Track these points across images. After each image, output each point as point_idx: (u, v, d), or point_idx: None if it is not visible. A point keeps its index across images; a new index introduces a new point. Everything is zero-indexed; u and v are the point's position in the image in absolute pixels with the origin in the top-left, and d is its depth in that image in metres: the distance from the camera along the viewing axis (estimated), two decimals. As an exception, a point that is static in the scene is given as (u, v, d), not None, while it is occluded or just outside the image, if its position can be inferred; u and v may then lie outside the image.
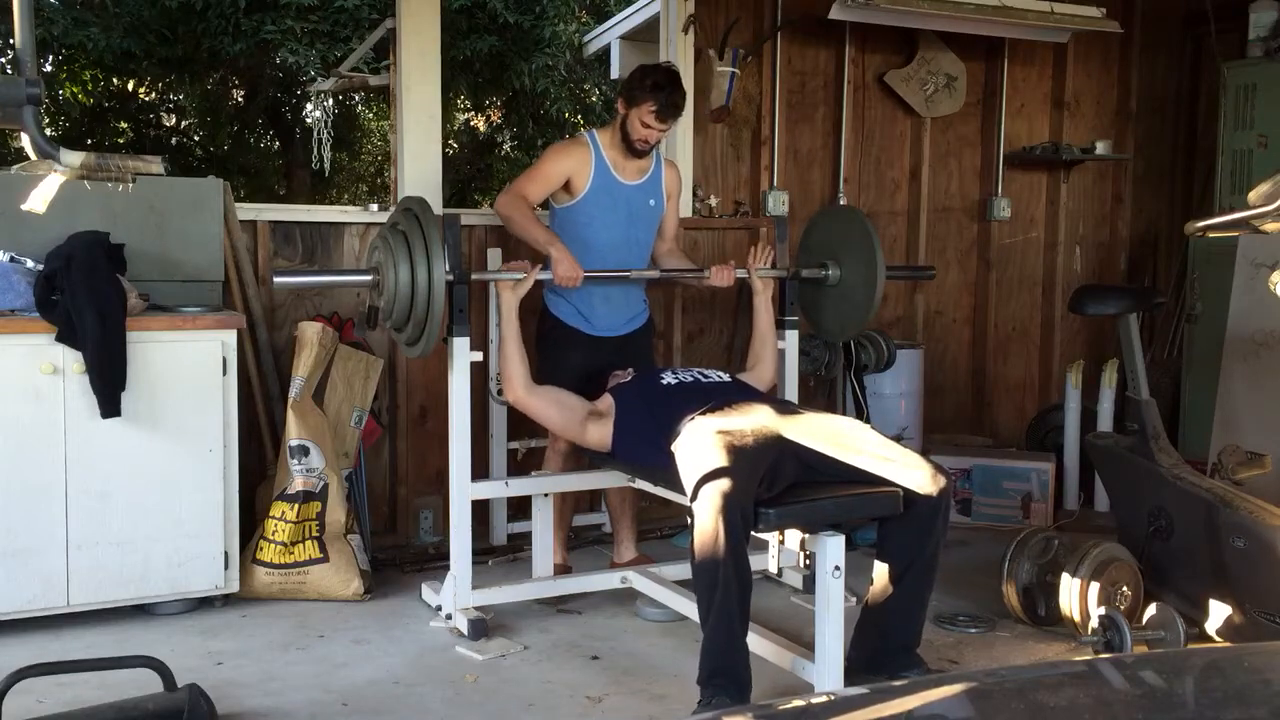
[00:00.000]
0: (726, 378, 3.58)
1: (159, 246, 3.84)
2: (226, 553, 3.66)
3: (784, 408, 3.36)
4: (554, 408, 3.58)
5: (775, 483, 2.95)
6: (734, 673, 2.86)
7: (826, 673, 2.89)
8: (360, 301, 4.36)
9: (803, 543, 2.94)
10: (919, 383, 5.18)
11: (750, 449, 2.96)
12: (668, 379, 3.49)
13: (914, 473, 3.02)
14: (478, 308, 4.33)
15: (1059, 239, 5.90)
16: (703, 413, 3.20)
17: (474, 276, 3.60)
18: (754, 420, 3.14)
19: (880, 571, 3.10)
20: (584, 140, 3.83)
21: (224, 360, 3.62)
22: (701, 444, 3.00)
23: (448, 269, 3.35)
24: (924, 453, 4.87)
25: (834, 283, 4.01)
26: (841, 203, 5.34)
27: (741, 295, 4.95)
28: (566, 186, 3.77)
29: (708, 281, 3.89)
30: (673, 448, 3.13)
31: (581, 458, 3.88)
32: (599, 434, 3.50)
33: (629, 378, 3.67)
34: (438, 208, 4.42)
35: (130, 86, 9.74)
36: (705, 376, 3.54)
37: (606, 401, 3.55)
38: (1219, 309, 4.99)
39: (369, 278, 3.47)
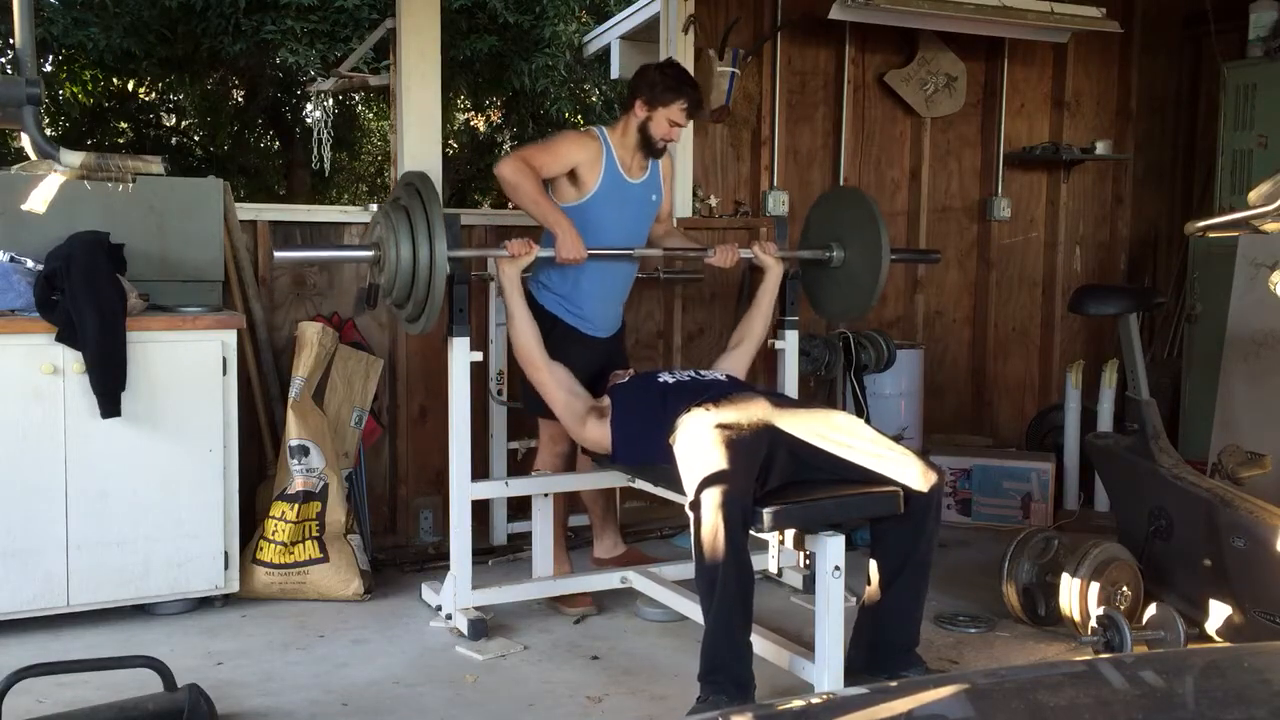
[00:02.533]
0: (723, 376, 3.59)
1: (159, 246, 3.84)
2: (226, 553, 3.66)
3: (779, 401, 3.36)
4: (564, 390, 3.57)
5: (769, 478, 2.95)
6: (733, 670, 2.86)
7: (826, 673, 2.89)
8: (361, 295, 4.36)
9: (803, 542, 2.93)
10: (919, 383, 5.18)
11: (747, 444, 2.96)
12: (665, 378, 3.49)
13: (906, 469, 3.03)
14: (478, 307, 4.33)
15: (1059, 239, 5.90)
16: (699, 404, 3.20)
17: (472, 252, 3.58)
18: (749, 414, 3.14)
19: (875, 571, 3.11)
20: (596, 136, 3.78)
21: (224, 360, 3.62)
22: (700, 441, 3.00)
23: (449, 246, 3.33)
24: (924, 453, 4.89)
25: (838, 264, 3.99)
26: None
27: (742, 294, 4.96)
28: (573, 181, 3.72)
29: (710, 260, 3.87)
30: (671, 442, 3.13)
31: (574, 463, 3.88)
32: (598, 433, 3.50)
33: (627, 379, 3.68)
34: (438, 208, 4.42)
35: (130, 86, 9.75)
36: (702, 375, 3.54)
37: (606, 402, 3.56)
38: (1219, 309, 4.98)
39: (370, 253, 3.45)
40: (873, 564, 3.11)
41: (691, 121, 3.85)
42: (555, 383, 3.57)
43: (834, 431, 3.13)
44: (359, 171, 11.78)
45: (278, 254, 3.47)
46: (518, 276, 3.55)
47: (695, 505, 2.86)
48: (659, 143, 3.75)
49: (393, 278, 3.37)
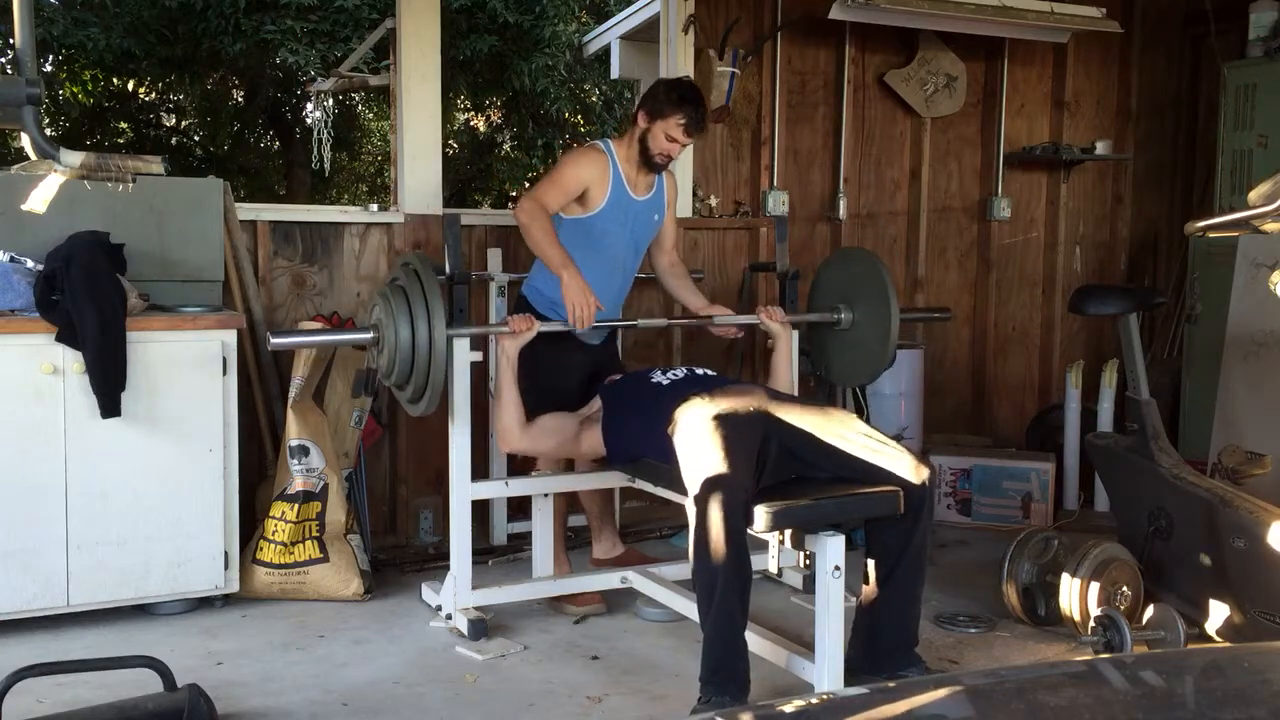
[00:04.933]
0: (714, 374, 3.60)
1: (159, 246, 3.84)
2: (226, 553, 3.66)
3: (776, 395, 3.38)
4: (550, 435, 3.56)
5: (764, 474, 2.96)
6: (735, 670, 2.86)
7: (826, 673, 2.89)
8: (361, 302, 4.36)
9: (802, 542, 2.93)
10: (919, 383, 5.18)
11: (744, 437, 2.97)
12: (658, 378, 3.48)
13: (899, 463, 3.03)
14: (478, 307, 4.33)
15: (1059, 239, 5.90)
16: (696, 394, 3.20)
17: (474, 330, 3.56)
18: (746, 404, 3.15)
19: (871, 570, 3.11)
20: (602, 151, 3.75)
21: (224, 360, 3.62)
22: (699, 435, 3.00)
23: (448, 318, 3.31)
24: (924, 453, 4.89)
25: (846, 327, 3.92)
26: (842, 207, 5.33)
27: (742, 295, 4.96)
28: (581, 197, 3.70)
29: (711, 329, 3.91)
30: (670, 433, 3.13)
31: (573, 463, 3.88)
32: (592, 441, 3.50)
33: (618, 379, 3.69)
34: (438, 208, 4.43)
35: (130, 86, 9.76)
36: (695, 371, 3.55)
37: (596, 404, 3.55)
38: (1219, 309, 4.98)
39: (369, 335, 3.43)
40: (868, 562, 3.12)
41: (692, 141, 3.76)
42: (540, 438, 3.55)
43: (829, 422, 3.13)
44: (359, 171, 11.80)
45: (274, 339, 3.39)
46: (517, 354, 3.50)
47: (695, 502, 2.87)
48: (656, 157, 3.71)
49: (392, 359, 3.35)
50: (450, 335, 3.35)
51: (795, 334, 3.94)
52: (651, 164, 3.73)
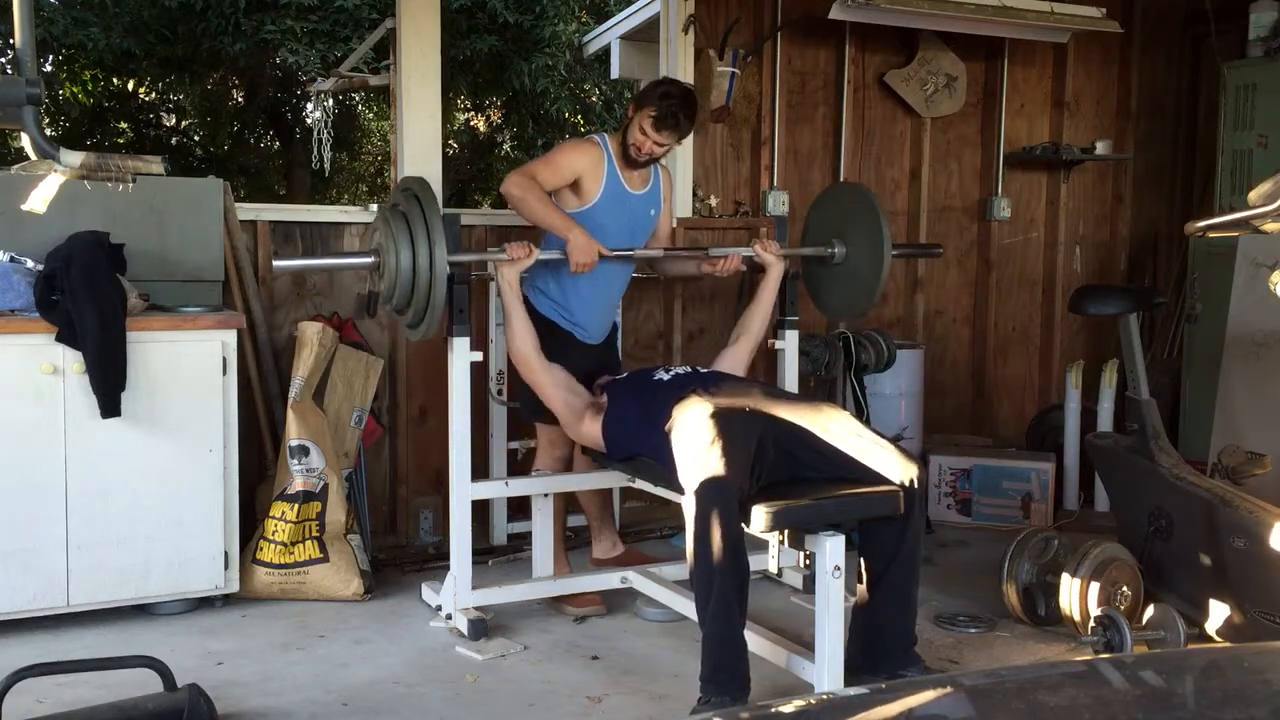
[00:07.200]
0: (715, 372, 3.60)
1: (159, 246, 3.84)
2: (226, 553, 3.66)
3: (772, 392, 3.40)
4: (562, 390, 3.57)
5: (761, 472, 2.97)
6: (736, 669, 2.87)
7: (826, 673, 2.89)
8: (361, 302, 4.36)
9: (802, 542, 2.93)
10: (919, 383, 5.18)
11: (741, 436, 2.98)
12: (660, 375, 3.49)
13: (885, 459, 3.04)
14: (478, 307, 4.33)
15: (1059, 239, 5.90)
16: (694, 391, 3.21)
17: (472, 256, 3.58)
18: (742, 401, 3.16)
19: (864, 570, 3.11)
20: (597, 144, 3.76)
21: (224, 360, 3.62)
22: (697, 432, 3.00)
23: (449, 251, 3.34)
24: (924, 453, 4.90)
25: (839, 261, 3.98)
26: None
27: (742, 293, 4.96)
28: (575, 190, 3.71)
29: (706, 266, 3.88)
30: (668, 430, 3.13)
31: (572, 465, 3.88)
32: (595, 429, 3.50)
33: (623, 375, 3.70)
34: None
35: (130, 86, 9.75)
36: (699, 370, 3.55)
37: (605, 398, 3.56)
38: (1219, 309, 4.98)
39: (370, 260, 3.46)
40: (862, 563, 3.12)
41: (667, 141, 3.68)
42: (553, 383, 3.57)
43: (822, 420, 3.15)
44: (359, 171, 11.79)
45: (276, 263, 3.49)
46: (517, 280, 3.55)
47: (691, 501, 2.87)
48: (630, 148, 3.69)
49: (393, 284, 3.37)
50: (450, 260, 3.35)
51: (791, 330, 3.95)
52: (628, 156, 3.72)
